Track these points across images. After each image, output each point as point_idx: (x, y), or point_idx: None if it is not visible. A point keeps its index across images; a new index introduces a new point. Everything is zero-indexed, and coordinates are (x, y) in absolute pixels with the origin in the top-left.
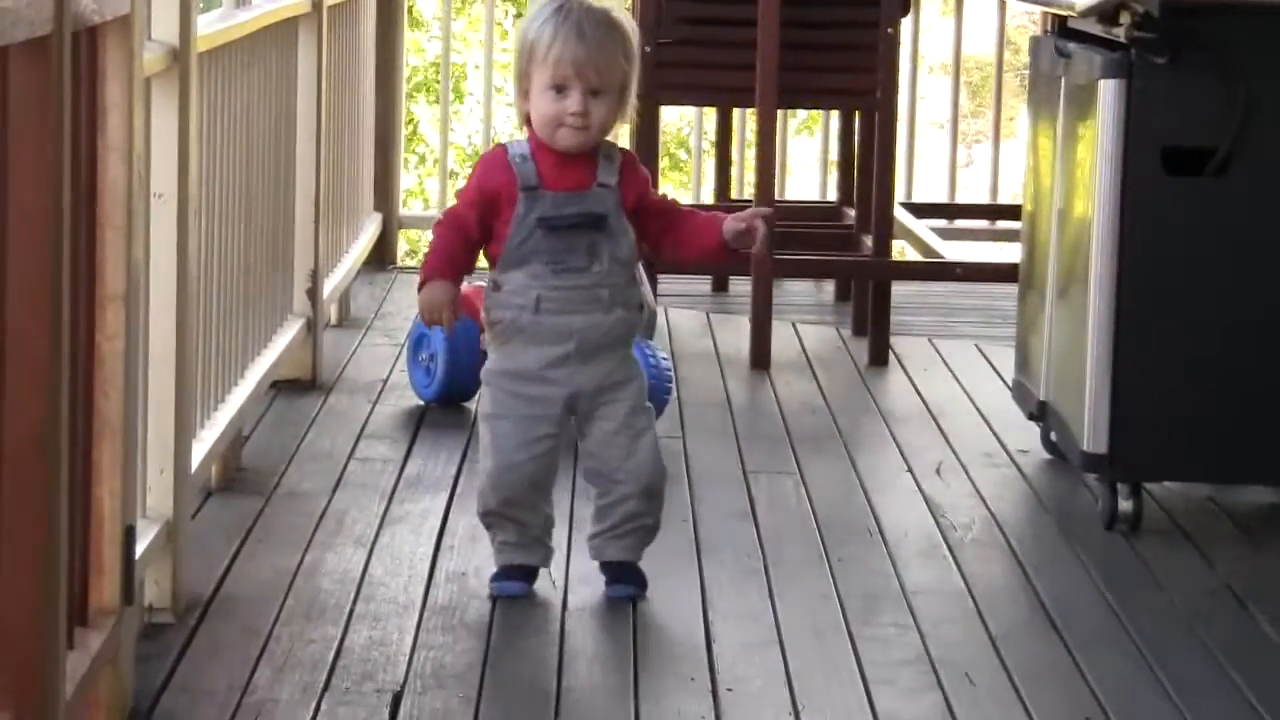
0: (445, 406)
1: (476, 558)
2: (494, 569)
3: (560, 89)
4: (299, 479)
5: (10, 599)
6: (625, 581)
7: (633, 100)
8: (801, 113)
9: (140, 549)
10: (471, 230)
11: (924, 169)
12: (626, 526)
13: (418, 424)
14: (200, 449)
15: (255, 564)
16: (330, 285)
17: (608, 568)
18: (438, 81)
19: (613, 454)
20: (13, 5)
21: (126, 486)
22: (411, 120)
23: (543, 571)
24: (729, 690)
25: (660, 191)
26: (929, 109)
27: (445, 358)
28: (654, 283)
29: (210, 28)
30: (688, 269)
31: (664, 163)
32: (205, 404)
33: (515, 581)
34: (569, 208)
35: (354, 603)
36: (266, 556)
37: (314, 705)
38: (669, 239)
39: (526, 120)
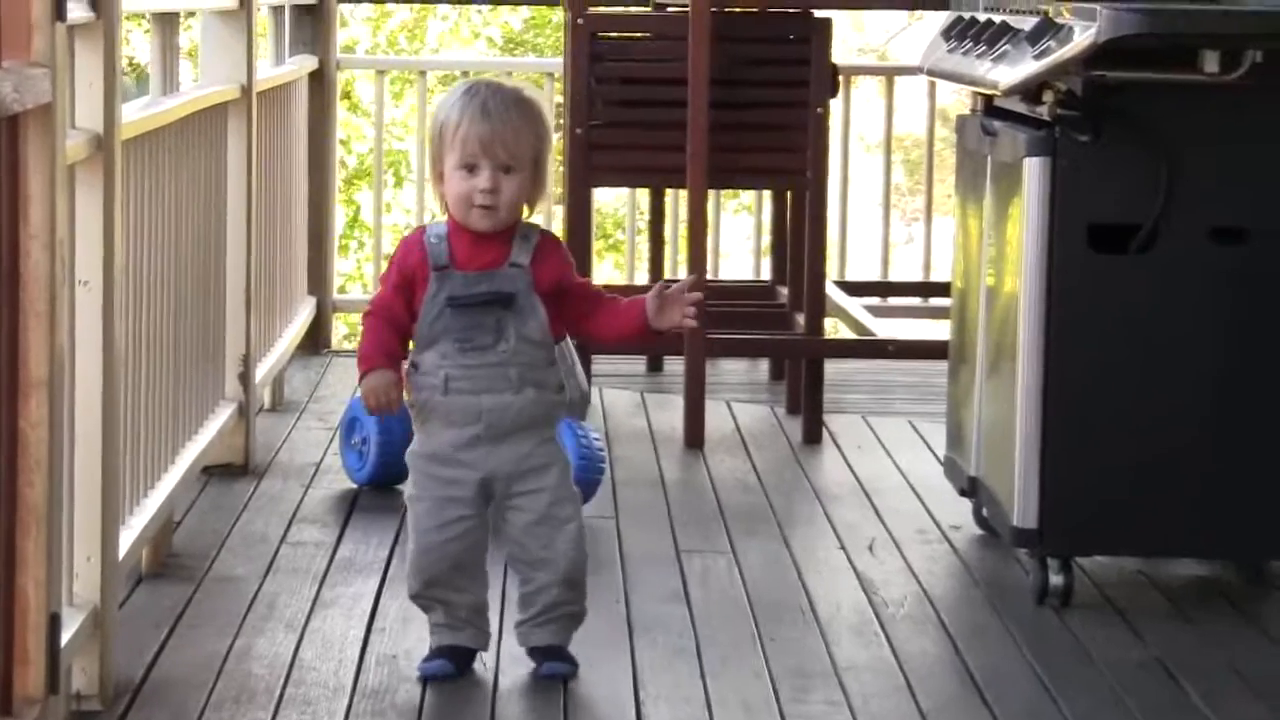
0: (378, 489)
1: (408, 641)
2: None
3: (470, 168)
4: (231, 564)
5: None
6: (555, 659)
7: (549, 176)
8: (744, 194)
9: (67, 636)
10: (399, 314)
11: (864, 247)
12: (550, 614)
13: (350, 508)
14: (129, 535)
15: (185, 649)
16: (263, 370)
17: (535, 652)
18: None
19: (532, 543)
20: None
21: (51, 574)
22: (354, 205)
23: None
24: None
25: (589, 277)
26: (867, 187)
27: (377, 440)
28: (588, 363)
29: (136, 115)
30: (615, 349)
31: (601, 244)
32: (134, 490)
33: (440, 661)
34: (478, 286)
35: (284, 687)
36: (197, 642)
37: None
38: (588, 323)
39: (445, 204)
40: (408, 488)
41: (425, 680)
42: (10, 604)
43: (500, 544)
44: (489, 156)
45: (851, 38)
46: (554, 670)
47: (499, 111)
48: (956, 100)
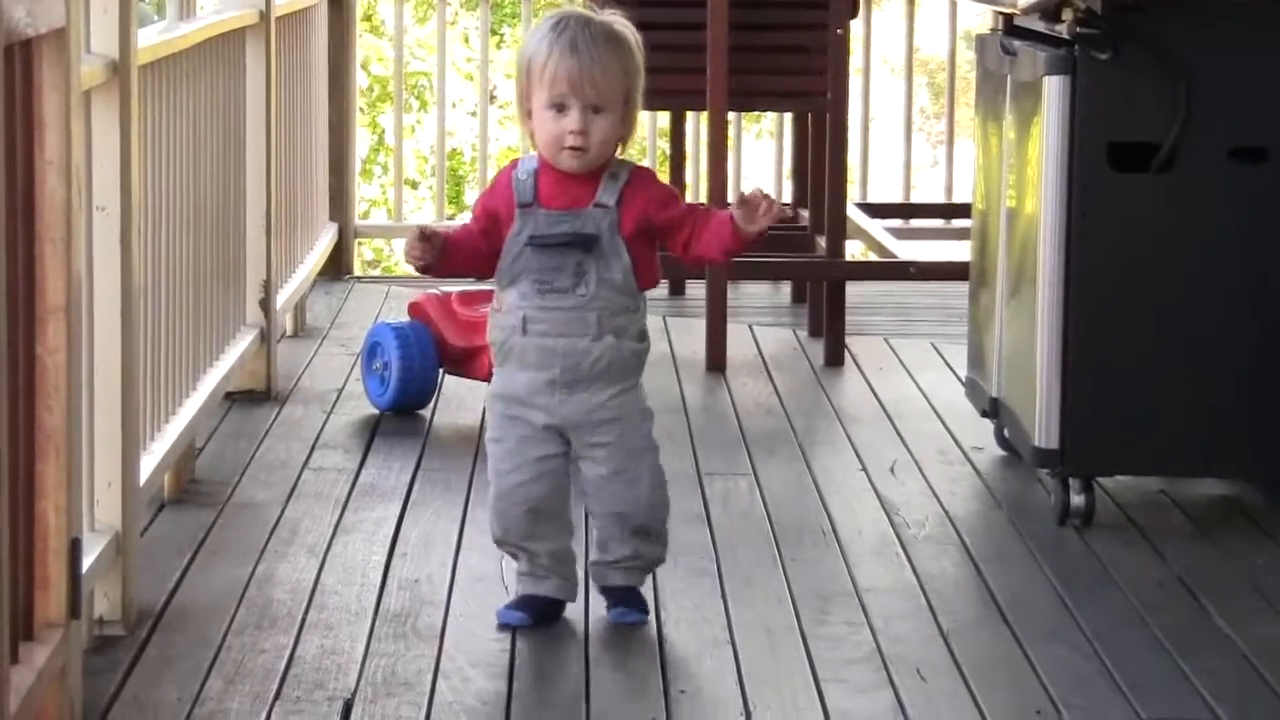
0: (399, 415)
1: (429, 565)
2: (449, 579)
3: (559, 107)
4: (253, 490)
5: None
6: (628, 605)
7: (638, 114)
8: (766, 119)
9: (88, 562)
10: (475, 234)
11: (889, 170)
12: (624, 564)
13: (372, 433)
14: (150, 461)
15: (207, 575)
16: (284, 296)
17: (609, 592)
18: (403, 90)
19: (606, 497)
20: None
21: (71, 500)
22: (378, 129)
23: (497, 571)
24: (681, 692)
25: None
26: (893, 110)
27: (399, 365)
28: None
29: (152, 40)
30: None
31: None
32: (155, 416)
33: (518, 613)
34: (559, 226)
35: (306, 612)
36: (219, 567)
37: (265, 714)
38: (695, 247)
39: (534, 141)
40: (487, 430)
41: (502, 628)
42: (30, 529)
43: (577, 492)
44: (578, 96)
45: None
46: (623, 617)
47: (587, 47)
48: (982, 22)
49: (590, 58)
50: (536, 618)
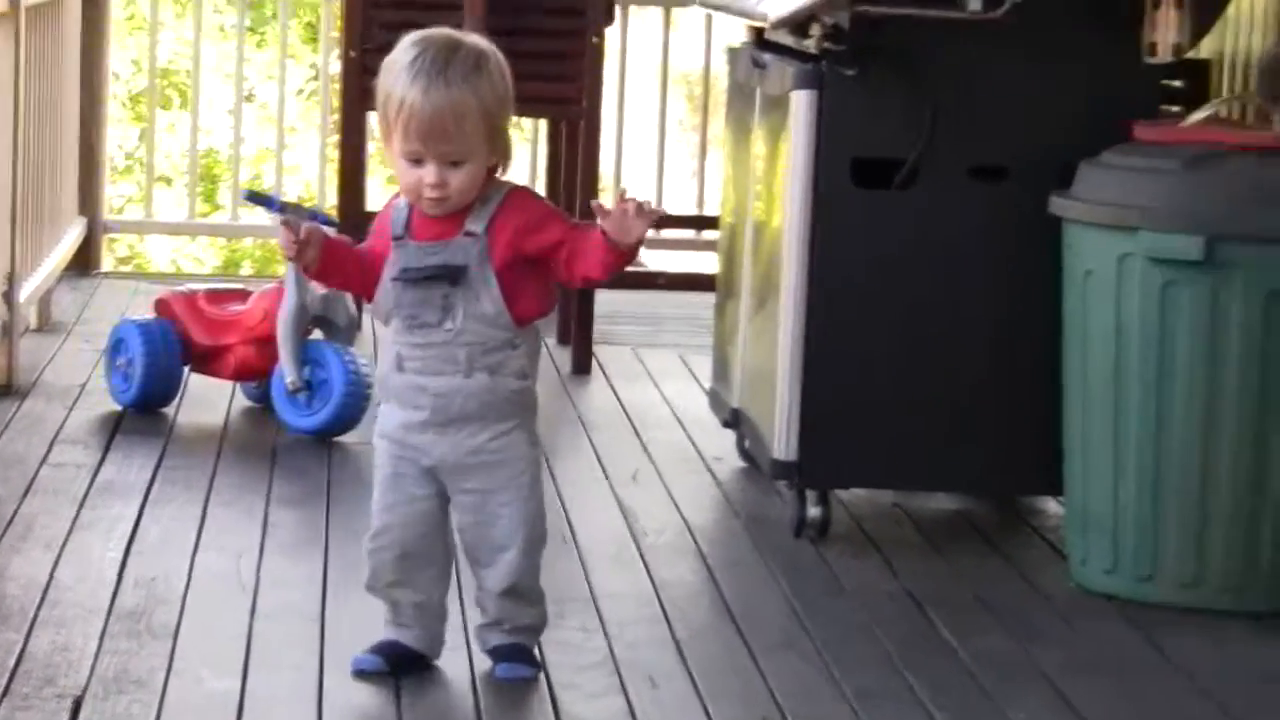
0: (142, 412)
1: (166, 563)
2: (186, 578)
3: (416, 161)
4: None
5: None
6: (514, 660)
7: (509, 139)
8: (524, 124)
9: None
10: (366, 250)
11: (652, 179)
12: (500, 626)
13: (114, 430)
14: None
15: None
16: (28, 289)
17: (493, 653)
18: (166, 88)
19: (475, 545)
20: None
21: None
22: (143, 122)
23: (234, 570)
24: (410, 696)
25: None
26: (655, 120)
27: (143, 362)
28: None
29: None
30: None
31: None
32: None
33: (374, 657)
34: (429, 259)
35: (39, 608)
36: None
37: None
38: (576, 268)
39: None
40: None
41: (357, 673)
42: None
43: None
44: (432, 153)
45: None
46: (510, 673)
47: (443, 96)
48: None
49: (447, 105)
50: (393, 665)
